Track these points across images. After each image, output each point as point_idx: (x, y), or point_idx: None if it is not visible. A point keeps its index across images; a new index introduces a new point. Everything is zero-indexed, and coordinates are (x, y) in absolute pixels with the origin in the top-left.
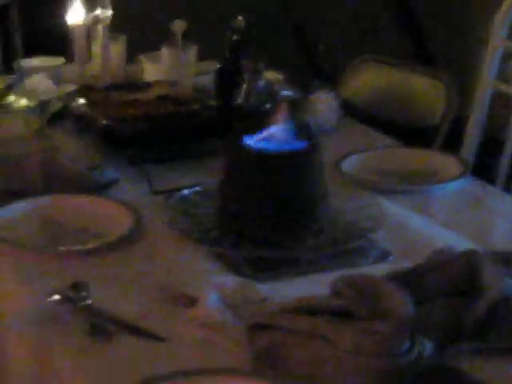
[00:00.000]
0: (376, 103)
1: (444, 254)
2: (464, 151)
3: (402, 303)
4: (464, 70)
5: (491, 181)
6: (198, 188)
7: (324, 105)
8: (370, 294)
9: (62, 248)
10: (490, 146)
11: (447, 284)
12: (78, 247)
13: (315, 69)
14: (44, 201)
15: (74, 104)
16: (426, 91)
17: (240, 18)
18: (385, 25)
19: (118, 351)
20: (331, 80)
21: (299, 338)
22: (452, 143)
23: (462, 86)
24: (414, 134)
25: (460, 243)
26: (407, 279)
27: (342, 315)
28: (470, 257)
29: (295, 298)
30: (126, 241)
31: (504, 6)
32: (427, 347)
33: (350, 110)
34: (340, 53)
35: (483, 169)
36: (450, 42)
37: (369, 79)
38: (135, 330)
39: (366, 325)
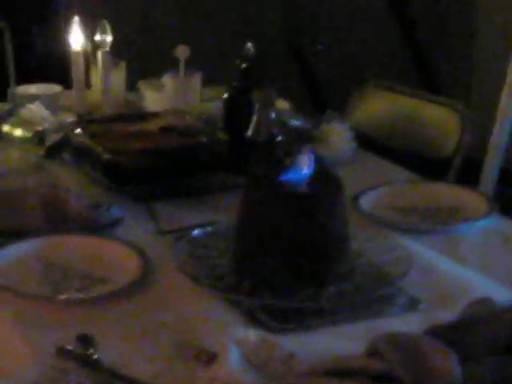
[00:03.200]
0: (386, 132)
1: (486, 305)
2: (482, 184)
3: (449, 364)
4: (475, 99)
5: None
6: (208, 228)
7: (337, 136)
8: (414, 356)
9: (66, 296)
10: (508, 179)
11: (494, 340)
12: (83, 295)
13: (317, 95)
14: (45, 242)
15: (73, 135)
16: (438, 121)
17: (249, 45)
18: (390, 54)
19: None
20: (335, 107)
21: None
22: (466, 176)
23: (475, 116)
24: (426, 165)
25: (495, 289)
26: (451, 335)
27: (384, 379)
28: None
29: (328, 357)
30: (135, 287)
31: None
32: None
33: (360, 139)
34: (342, 79)
35: (502, 203)
36: (461, 70)
37: (378, 107)
38: None
39: None
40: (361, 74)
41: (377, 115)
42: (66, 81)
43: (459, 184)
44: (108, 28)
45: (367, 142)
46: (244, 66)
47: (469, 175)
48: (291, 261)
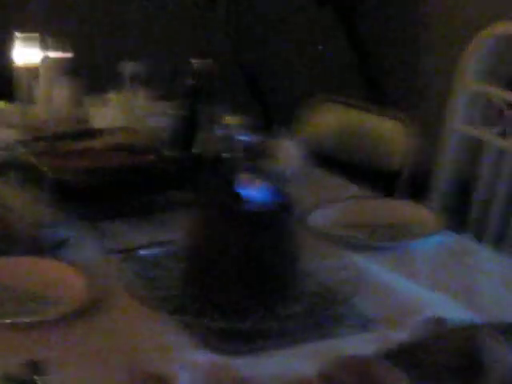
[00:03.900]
0: (335, 146)
1: (438, 325)
2: (433, 198)
3: None
4: (423, 111)
5: (460, 228)
6: (156, 247)
7: (286, 152)
8: (365, 378)
9: (11, 320)
10: (458, 192)
11: (449, 360)
12: (29, 319)
13: (266, 110)
14: None
15: (18, 154)
16: (387, 134)
17: (195, 61)
18: (338, 65)
19: None
20: (286, 122)
21: None
22: (415, 188)
23: (423, 128)
24: (376, 178)
25: (447, 307)
26: (403, 357)
27: None
28: (469, 331)
29: (280, 380)
30: (83, 310)
31: (470, 48)
32: None
33: (310, 153)
34: (294, 93)
35: (452, 216)
36: (410, 84)
37: (327, 121)
38: None
39: None
40: (309, 88)
41: (325, 129)
42: (8, 96)
43: (409, 197)
44: (54, 43)
45: (316, 156)
46: (191, 82)
47: (419, 188)
48: (240, 282)
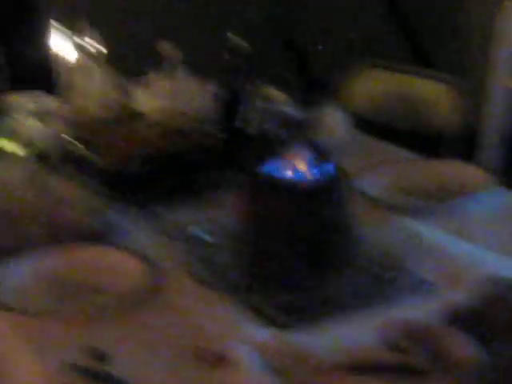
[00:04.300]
0: (381, 111)
1: (496, 285)
2: (483, 157)
3: (467, 351)
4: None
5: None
6: (209, 226)
7: (332, 122)
8: (430, 344)
9: (72, 310)
10: (507, 149)
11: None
12: (90, 307)
13: (310, 81)
14: (46, 256)
15: (66, 144)
16: (431, 96)
17: (232, 37)
18: (380, 29)
19: None
20: (329, 90)
21: None
22: (463, 149)
23: (469, 88)
24: (423, 141)
25: (504, 265)
26: (466, 320)
27: (401, 370)
28: None
29: (345, 353)
30: (142, 295)
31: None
32: None
33: (355, 120)
34: (334, 61)
35: (503, 174)
36: (449, 43)
37: (371, 86)
38: None
39: (430, 381)
40: (351, 55)
41: (369, 95)
42: (49, 87)
43: (459, 159)
44: (90, 30)
45: (364, 123)
46: (234, 59)
47: (467, 149)
48: (295, 255)
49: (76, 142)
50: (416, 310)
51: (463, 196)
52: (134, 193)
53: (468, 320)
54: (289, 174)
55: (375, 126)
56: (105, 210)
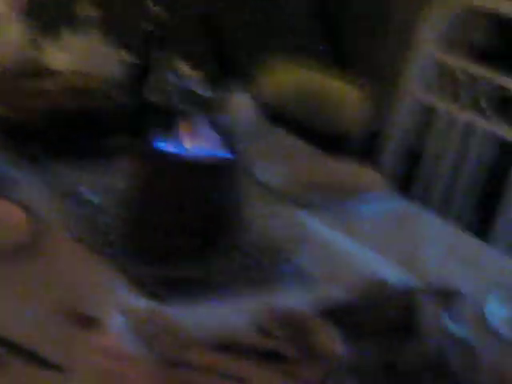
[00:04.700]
0: (291, 105)
1: (379, 288)
2: (382, 162)
3: (334, 343)
4: (381, 74)
5: (407, 194)
6: (102, 191)
7: (239, 105)
8: (300, 333)
9: None
10: (408, 157)
11: (384, 323)
12: None
13: (224, 62)
14: None
15: None
16: (343, 96)
17: (156, 7)
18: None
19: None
20: (241, 75)
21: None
22: (365, 152)
23: (379, 92)
24: (328, 139)
25: (388, 269)
26: (339, 315)
27: (269, 355)
28: (408, 295)
29: (215, 331)
30: (23, 249)
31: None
32: None
33: (264, 110)
34: (252, 47)
35: (401, 181)
36: (369, 44)
37: (283, 79)
38: (30, 356)
39: (295, 368)
40: (268, 45)
41: (282, 88)
42: None
43: (359, 160)
44: None
45: (271, 114)
46: (148, 29)
47: (371, 152)
48: (181, 230)
49: None
50: (291, 300)
51: (357, 196)
52: (29, 146)
53: (340, 315)
54: (185, 148)
55: (282, 119)
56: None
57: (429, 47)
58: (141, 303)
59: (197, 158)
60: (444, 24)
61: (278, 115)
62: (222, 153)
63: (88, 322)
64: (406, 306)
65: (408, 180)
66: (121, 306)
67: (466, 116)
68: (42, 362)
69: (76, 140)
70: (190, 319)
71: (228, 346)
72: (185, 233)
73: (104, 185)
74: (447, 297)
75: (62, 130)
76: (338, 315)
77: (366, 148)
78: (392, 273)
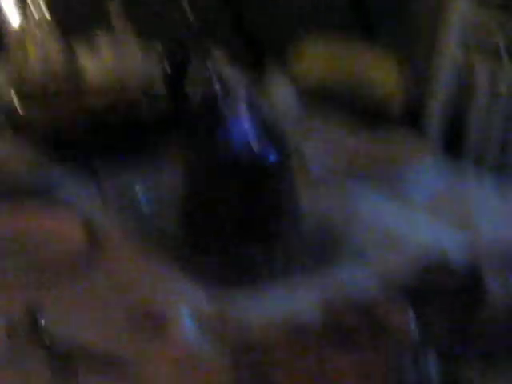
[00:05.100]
0: (325, 83)
1: (440, 258)
2: (429, 130)
3: (406, 321)
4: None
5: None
6: (153, 189)
7: (281, 91)
8: (371, 319)
9: (15, 265)
10: (453, 122)
11: (450, 292)
12: (29, 265)
13: (256, 48)
14: None
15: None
16: (379, 70)
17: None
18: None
19: None
20: (276, 60)
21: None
22: (410, 122)
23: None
24: (367, 115)
25: (444, 236)
26: (405, 289)
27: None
28: (471, 268)
29: (282, 317)
30: (83, 259)
31: None
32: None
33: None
34: (282, 30)
35: (449, 146)
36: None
37: (318, 58)
38: (105, 362)
39: (369, 353)
40: (300, 25)
41: (316, 67)
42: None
43: (404, 131)
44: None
45: (307, 94)
46: (183, 22)
47: (413, 121)
48: (237, 225)
49: (19, 103)
50: (355, 278)
51: (405, 166)
52: (77, 154)
53: (406, 289)
54: (234, 142)
55: (320, 96)
56: (45, 167)
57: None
58: (208, 301)
59: (245, 156)
60: None
61: (314, 95)
62: (269, 148)
63: (154, 319)
64: (470, 274)
65: (457, 144)
66: (188, 304)
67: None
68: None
69: (120, 139)
70: (254, 304)
71: (297, 334)
72: (243, 225)
73: (152, 182)
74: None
75: (104, 130)
76: (403, 289)
77: (408, 119)
78: (447, 235)
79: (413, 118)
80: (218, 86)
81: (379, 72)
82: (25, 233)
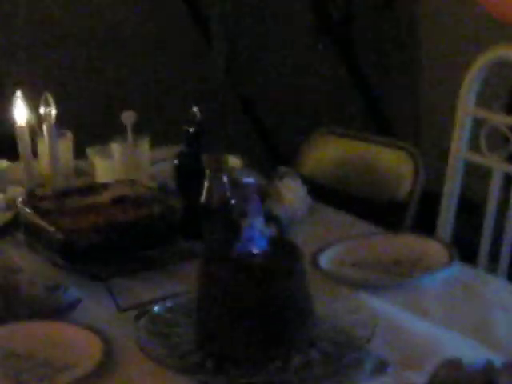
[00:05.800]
0: (339, 179)
1: (456, 368)
2: (439, 229)
3: None
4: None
5: (471, 260)
6: (169, 302)
7: (292, 192)
8: None
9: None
10: (466, 221)
11: None
12: None
13: (268, 146)
14: (2, 330)
15: (25, 213)
16: (391, 164)
17: (195, 109)
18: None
19: None
20: (286, 158)
21: None
22: (422, 219)
23: (427, 156)
24: (381, 210)
25: (463, 345)
26: None
27: None
28: (487, 373)
29: None
30: (98, 373)
31: (470, 74)
32: None
33: (313, 189)
34: (292, 127)
35: (462, 247)
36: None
37: (329, 154)
38: None
39: None
40: (311, 121)
41: (329, 162)
42: (11, 155)
43: (417, 229)
44: (51, 100)
45: (321, 191)
46: (191, 130)
47: (425, 218)
48: (255, 334)
49: (34, 210)
50: None
51: (422, 271)
52: (91, 265)
53: None
54: (246, 250)
55: (331, 193)
56: (60, 283)
57: (473, 105)
58: None
59: (255, 259)
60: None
61: (325, 190)
62: (280, 246)
63: None
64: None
65: (471, 245)
66: None
67: None
68: None
69: (136, 252)
70: None
71: None
72: (258, 336)
73: (168, 293)
74: None
75: (120, 244)
76: None
77: (422, 216)
78: (467, 348)
79: (426, 215)
80: (232, 194)
81: (391, 165)
82: (43, 350)
